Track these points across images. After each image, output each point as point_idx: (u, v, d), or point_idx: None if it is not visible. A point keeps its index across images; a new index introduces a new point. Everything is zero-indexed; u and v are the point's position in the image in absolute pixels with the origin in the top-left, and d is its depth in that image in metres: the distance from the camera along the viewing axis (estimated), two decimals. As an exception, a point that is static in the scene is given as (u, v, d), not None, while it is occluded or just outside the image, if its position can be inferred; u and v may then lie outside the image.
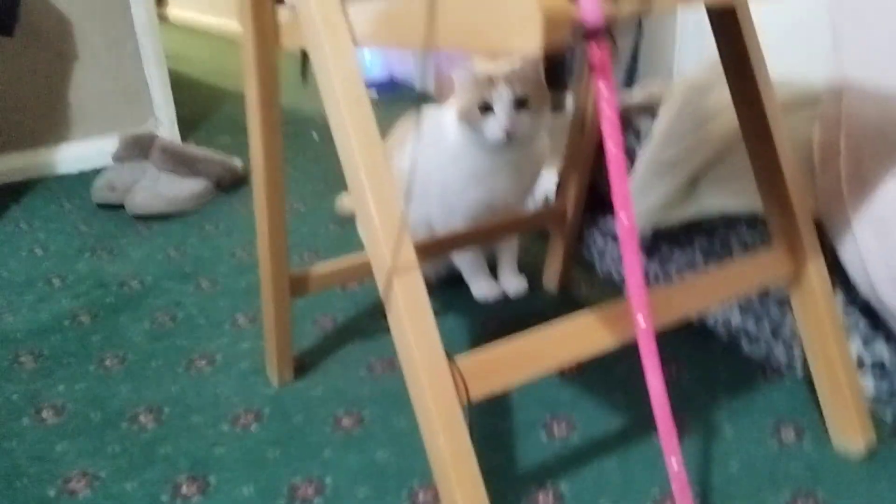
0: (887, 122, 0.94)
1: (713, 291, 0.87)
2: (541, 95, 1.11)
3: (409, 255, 0.67)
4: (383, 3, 0.64)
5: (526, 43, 0.48)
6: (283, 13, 0.85)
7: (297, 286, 1.07)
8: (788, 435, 0.96)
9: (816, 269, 0.89)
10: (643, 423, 0.99)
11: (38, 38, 2.09)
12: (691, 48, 1.77)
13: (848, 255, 0.92)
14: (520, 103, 1.09)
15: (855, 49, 1.10)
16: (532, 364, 0.73)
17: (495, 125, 1.08)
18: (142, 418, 1.06)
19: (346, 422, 1.03)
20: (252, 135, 0.95)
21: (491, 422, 1.01)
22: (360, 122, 0.66)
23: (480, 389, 0.69)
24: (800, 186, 0.89)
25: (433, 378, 0.66)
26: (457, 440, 0.65)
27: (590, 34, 0.46)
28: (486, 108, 1.09)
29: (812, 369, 0.92)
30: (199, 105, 2.91)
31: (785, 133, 0.89)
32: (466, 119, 1.11)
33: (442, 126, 1.20)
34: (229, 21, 4.80)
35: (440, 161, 1.19)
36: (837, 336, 0.90)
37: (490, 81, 1.08)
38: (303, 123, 2.53)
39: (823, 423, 0.95)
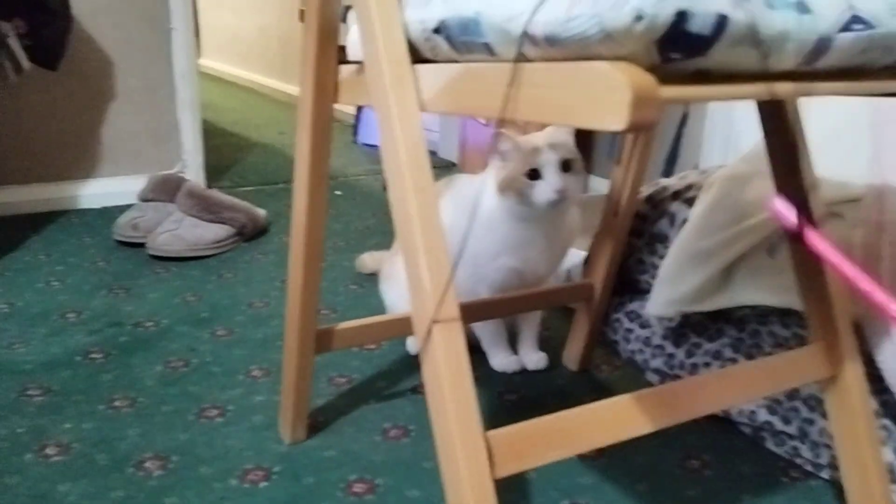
0: (930, 230, 0.94)
1: (748, 386, 0.85)
2: (579, 159, 1.12)
3: (455, 319, 0.66)
4: (455, 68, 0.65)
5: (613, 121, 0.48)
6: (343, 70, 0.86)
7: (322, 342, 1.05)
8: (816, 542, 0.93)
9: (854, 372, 0.88)
10: (666, 517, 0.96)
11: (80, 74, 2.13)
12: (718, 142, 1.80)
13: (885, 362, 0.91)
14: (565, 166, 1.10)
15: (895, 157, 1.11)
16: (563, 443, 0.71)
17: (546, 188, 1.09)
18: (149, 465, 1.02)
19: (358, 488, 1.00)
20: (298, 187, 0.95)
21: (507, 500, 0.98)
22: (420, 184, 0.66)
23: (508, 466, 0.67)
24: (840, 286, 0.89)
25: (468, 449, 0.64)
26: (492, 517, 0.62)
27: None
28: (534, 175, 1.10)
29: (843, 474, 0.90)
30: (226, 153, 2.94)
31: (829, 230, 0.89)
32: (512, 187, 1.12)
33: (478, 196, 1.20)
34: (258, 75, 4.91)
35: (474, 230, 1.19)
36: (872, 441, 0.87)
37: (535, 149, 1.09)
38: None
39: (854, 532, 0.91)
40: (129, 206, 2.00)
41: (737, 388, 0.84)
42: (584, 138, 1.83)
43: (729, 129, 1.78)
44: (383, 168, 0.70)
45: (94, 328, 1.43)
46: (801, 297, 0.91)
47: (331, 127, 0.92)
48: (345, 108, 3.48)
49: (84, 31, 2.10)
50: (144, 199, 1.93)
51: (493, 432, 0.66)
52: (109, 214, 2.08)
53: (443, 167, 2.83)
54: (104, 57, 2.15)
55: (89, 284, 1.64)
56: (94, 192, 2.21)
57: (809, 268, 0.89)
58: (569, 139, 1.12)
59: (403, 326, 1.13)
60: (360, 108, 3.11)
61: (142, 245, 1.83)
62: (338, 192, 2.43)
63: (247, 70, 5.02)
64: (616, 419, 0.75)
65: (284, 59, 4.60)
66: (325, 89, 0.86)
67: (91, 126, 2.19)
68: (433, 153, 3.08)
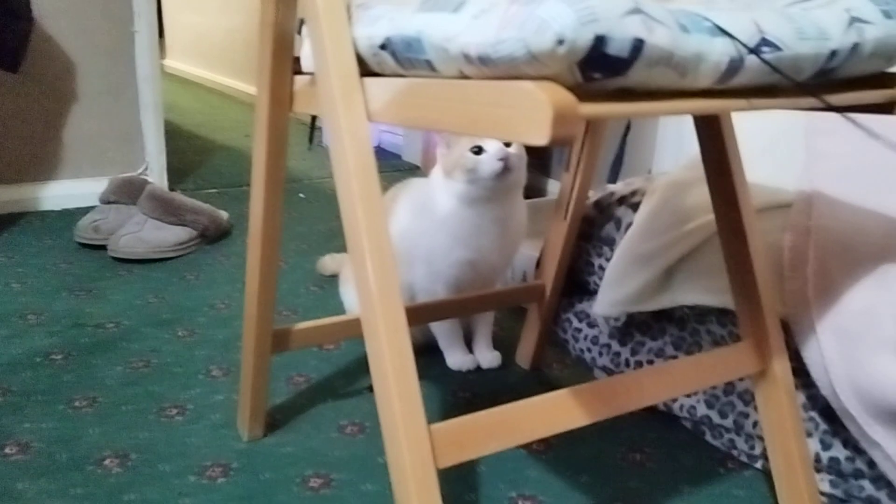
0: (854, 237, 1.00)
1: (683, 380, 0.91)
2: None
3: (401, 319, 0.70)
4: (401, 82, 0.69)
5: (537, 135, 0.53)
6: (298, 80, 0.90)
7: (279, 342, 1.08)
8: (747, 528, 0.98)
9: (781, 367, 0.94)
10: (607, 506, 1.01)
11: (41, 76, 2.13)
12: (669, 150, 1.86)
13: (811, 357, 0.97)
14: (507, 143, 1.15)
15: (827, 164, 1.18)
16: (504, 435, 0.75)
17: (490, 159, 1.14)
18: (108, 462, 1.05)
19: (314, 482, 1.04)
20: (255, 190, 0.99)
21: (456, 492, 1.03)
22: (366, 191, 0.70)
23: (451, 457, 0.71)
24: (769, 287, 0.95)
25: (412, 440, 0.68)
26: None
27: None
28: (478, 151, 1.14)
29: (772, 464, 0.96)
30: (189, 156, 2.95)
31: (759, 234, 0.94)
32: (458, 165, 1.16)
33: (429, 193, 1.24)
34: (224, 77, 4.90)
35: (427, 227, 1.23)
36: (798, 433, 0.93)
37: None
38: (290, 182, 2.57)
39: (781, 518, 0.97)
40: (90, 209, 2.01)
41: (671, 382, 0.89)
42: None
43: (680, 136, 1.85)
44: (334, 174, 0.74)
45: (55, 329, 1.45)
46: (734, 296, 0.96)
47: (287, 134, 0.95)
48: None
49: (46, 32, 2.10)
50: (106, 202, 1.94)
51: (436, 425, 0.70)
52: (71, 216, 2.08)
53: (406, 170, 2.87)
54: (66, 59, 2.15)
55: (50, 286, 1.65)
56: (56, 194, 2.21)
57: (741, 269, 0.95)
58: None
59: (360, 327, 1.16)
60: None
61: (103, 247, 1.84)
62: (301, 196, 2.46)
63: (212, 72, 5.00)
64: (556, 412, 0.79)
65: (250, 61, 4.60)
66: (280, 99, 0.90)
67: (52, 128, 2.19)
68: (397, 156, 3.11)
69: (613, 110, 0.58)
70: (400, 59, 0.69)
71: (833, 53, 0.69)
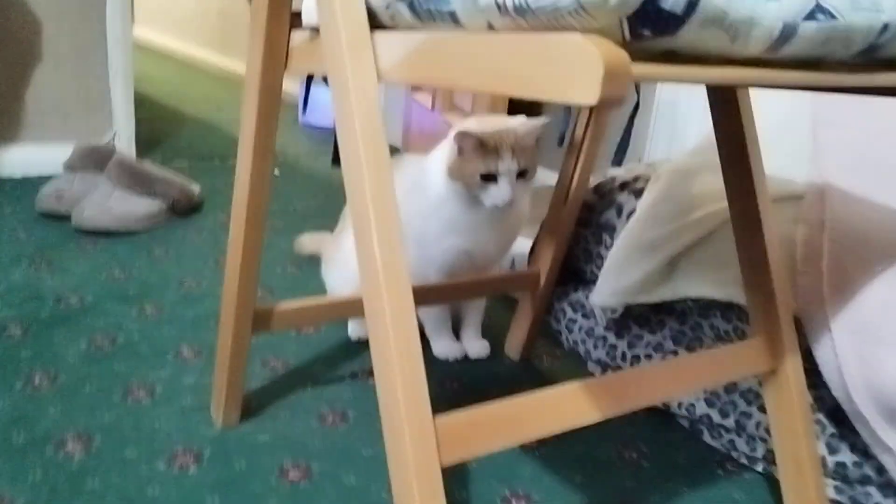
0: (869, 231, 0.96)
1: (692, 378, 0.85)
2: (535, 161, 1.11)
3: (407, 299, 0.63)
4: (417, 37, 0.62)
5: (584, 95, 0.46)
6: (295, 37, 0.82)
7: (260, 322, 1.01)
8: (749, 532, 0.94)
9: (794, 366, 0.89)
10: (604, 506, 0.96)
11: (5, 35, 2.00)
12: (663, 136, 1.82)
13: (824, 357, 0.92)
14: (521, 174, 1.09)
15: (835, 156, 1.13)
16: (512, 430, 0.69)
17: (498, 195, 1.08)
18: (70, 445, 0.97)
19: (292, 473, 0.97)
20: (242, 156, 0.91)
21: (447, 490, 0.96)
22: (375, 156, 0.63)
23: (456, 454, 0.65)
24: (783, 281, 0.90)
25: (416, 434, 0.61)
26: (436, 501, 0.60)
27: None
28: (488, 178, 1.07)
29: (779, 466, 0.91)
30: (158, 127, 2.83)
31: (774, 224, 0.89)
32: (463, 182, 1.10)
33: (426, 175, 1.18)
34: (195, 48, 4.75)
35: (420, 208, 1.16)
36: (809, 436, 0.89)
37: (496, 151, 1.06)
38: (265, 159, 2.49)
39: (785, 523, 0.93)
40: (53, 177, 1.89)
41: (681, 379, 0.84)
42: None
43: (673, 124, 1.81)
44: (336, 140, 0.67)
45: (13, 301, 1.35)
46: (745, 290, 0.91)
47: (280, 98, 0.88)
48: (288, 88, 3.39)
49: (10, -12, 1.97)
50: (70, 169, 1.83)
51: (441, 418, 0.63)
52: (32, 184, 1.96)
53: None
54: (32, 18, 2.02)
55: (8, 256, 1.55)
56: (17, 160, 2.09)
57: (754, 260, 0.90)
58: (531, 139, 1.09)
59: (346, 309, 1.10)
60: (307, 88, 3.03)
61: (67, 218, 1.73)
62: (276, 173, 2.37)
63: (183, 42, 4.85)
64: (564, 407, 0.73)
65: (224, 33, 4.46)
66: (276, 56, 0.82)
67: (15, 89, 2.06)
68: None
69: (665, 73, 0.52)
70: (418, 10, 0.62)
71: (885, 27, 0.64)
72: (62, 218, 1.75)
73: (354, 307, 1.09)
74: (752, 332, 0.92)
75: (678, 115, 1.77)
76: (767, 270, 0.89)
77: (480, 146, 1.08)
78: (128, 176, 1.77)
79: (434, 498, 0.61)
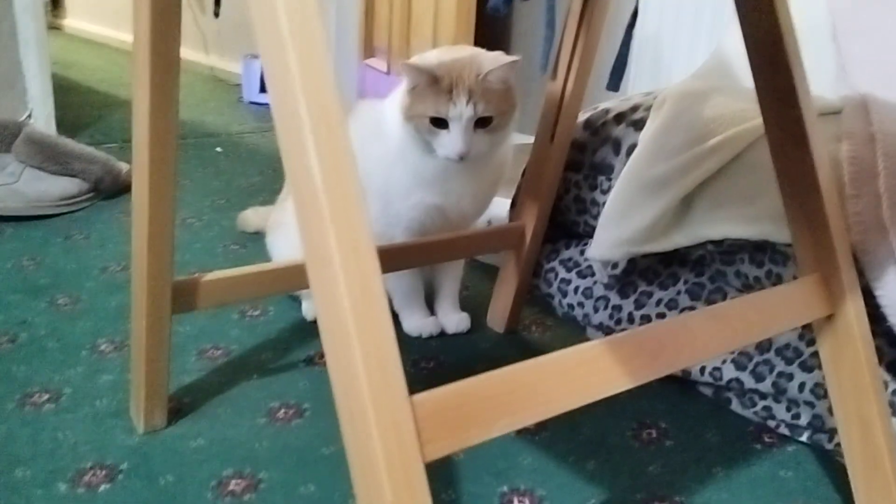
0: (930, 140, 0.78)
1: (738, 330, 0.66)
2: (507, 107, 0.92)
3: (363, 230, 0.43)
4: None
5: None
6: None
7: (181, 299, 0.80)
8: (807, 520, 0.76)
9: (856, 309, 0.71)
10: (622, 499, 0.77)
11: None
12: (646, 68, 1.64)
13: (889, 296, 0.75)
14: (481, 122, 0.89)
15: (865, 67, 0.96)
16: (518, 408, 0.50)
17: (448, 145, 0.89)
18: (-61, 471, 0.75)
19: (234, 485, 0.76)
20: (137, 99, 0.71)
21: (430, 489, 0.77)
22: (312, 71, 0.43)
23: (441, 444, 0.45)
24: (837, 207, 0.72)
25: (387, 420, 0.42)
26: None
27: None
28: (440, 122, 0.88)
29: (842, 435, 0.73)
30: (86, 111, 2.57)
31: (823, 139, 0.71)
32: (414, 125, 0.91)
33: (384, 120, 0.98)
34: (129, 35, 4.46)
35: (382, 154, 0.96)
36: (877, 392, 0.71)
37: (449, 94, 0.87)
38: (207, 137, 2.26)
39: (847, 500, 0.76)
40: (-45, 160, 1.64)
41: (728, 331, 0.65)
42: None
43: (658, 56, 1.62)
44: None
45: None
46: (790, 221, 0.73)
47: (177, 68, 0.67)
48: (230, 66, 3.15)
49: None
50: (-27, 149, 1.58)
51: (420, 396, 0.44)
52: (-68, 171, 1.71)
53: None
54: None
55: None
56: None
57: (801, 184, 0.72)
58: (499, 80, 0.89)
59: (292, 278, 0.89)
60: (248, 65, 2.81)
61: (-31, 203, 1.49)
62: (218, 149, 2.14)
63: (117, 31, 4.55)
64: (584, 374, 0.55)
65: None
66: (169, 21, 0.62)
67: None
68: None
69: None
70: None
71: None
72: (-37, 204, 1.51)
73: (301, 275, 0.88)
74: (802, 271, 0.74)
75: (662, 49, 1.59)
76: (818, 195, 0.71)
77: (434, 83, 0.88)
78: (40, 152, 1.53)
79: (417, 508, 0.42)
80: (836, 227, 0.71)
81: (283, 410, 0.90)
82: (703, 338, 0.62)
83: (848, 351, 0.71)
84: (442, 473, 0.80)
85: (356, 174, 0.44)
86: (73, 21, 4.91)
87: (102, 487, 0.75)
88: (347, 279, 0.42)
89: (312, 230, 0.43)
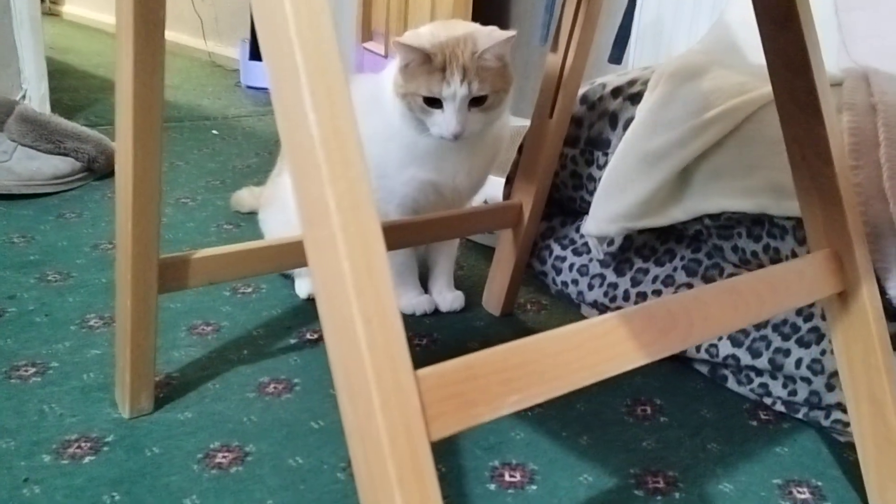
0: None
1: (757, 302, 0.63)
2: (503, 84, 0.91)
3: (364, 190, 0.41)
4: None
5: None
6: None
7: (168, 277, 0.78)
8: (803, 497, 0.75)
9: (869, 285, 0.70)
10: (615, 474, 0.76)
11: None
12: (648, 43, 1.61)
13: (888, 268, 0.73)
14: (476, 101, 0.88)
15: (866, 40, 0.94)
16: (530, 383, 0.48)
17: (442, 124, 0.88)
18: (-78, 440, 0.74)
19: (221, 458, 0.75)
20: (120, 71, 0.69)
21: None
22: (319, 48, 0.41)
23: (448, 422, 0.44)
24: (849, 179, 0.70)
25: (391, 398, 0.40)
26: (425, 495, 0.40)
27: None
28: (433, 101, 0.87)
29: (852, 414, 0.72)
30: (83, 94, 2.56)
31: (834, 107, 0.70)
32: (407, 103, 0.89)
33: (380, 94, 0.96)
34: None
35: (378, 128, 0.95)
36: (890, 371, 0.70)
37: (443, 73, 0.86)
38: (203, 120, 2.24)
39: (851, 482, 0.75)
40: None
41: (741, 305, 0.62)
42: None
43: (660, 29, 1.60)
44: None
45: None
46: (799, 193, 0.72)
47: (162, 48, 0.66)
48: (228, 52, 3.13)
49: None
50: (-35, 128, 1.57)
51: (425, 370, 0.42)
52: (-75, 150, 1.69)
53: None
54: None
55: None
56: None
57: (811, 154, 0.70)
58: (495, 57, 0.88)
59: (282, 256, 0.87)
60: (250, 50, 2.78)
61: (-40, 181, 1.47)
62: (214, 132, 2.12)
63: (114, 17, 4.54)
64: (596, 349, 0.53)
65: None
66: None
67: None
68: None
69: None
70: None
71: None
72: (-45, 183, 1.49)
73: (293, 252, 0.87)
74: (813, 246, 0.72)
75: (665, 16, 1.57)
76: (830, 167, 0.69)
77: (427, 61, 0.87)
78: (32, 130, 1.51)
79: (423, 487, 0.41)
80: (848, 201, 0.69)
81: (272, 385, 0.89)
82: (716, 313, 0.60)
83: (860, 329, 0.70)
84: (432, 447, 0.79)
85: (355, 125, 0.42)
86: (71, 7, 4.89)
87: (87, 459, 0.74)
88: (347, 239, 0.40)
89: (309, 187, 0.41)
